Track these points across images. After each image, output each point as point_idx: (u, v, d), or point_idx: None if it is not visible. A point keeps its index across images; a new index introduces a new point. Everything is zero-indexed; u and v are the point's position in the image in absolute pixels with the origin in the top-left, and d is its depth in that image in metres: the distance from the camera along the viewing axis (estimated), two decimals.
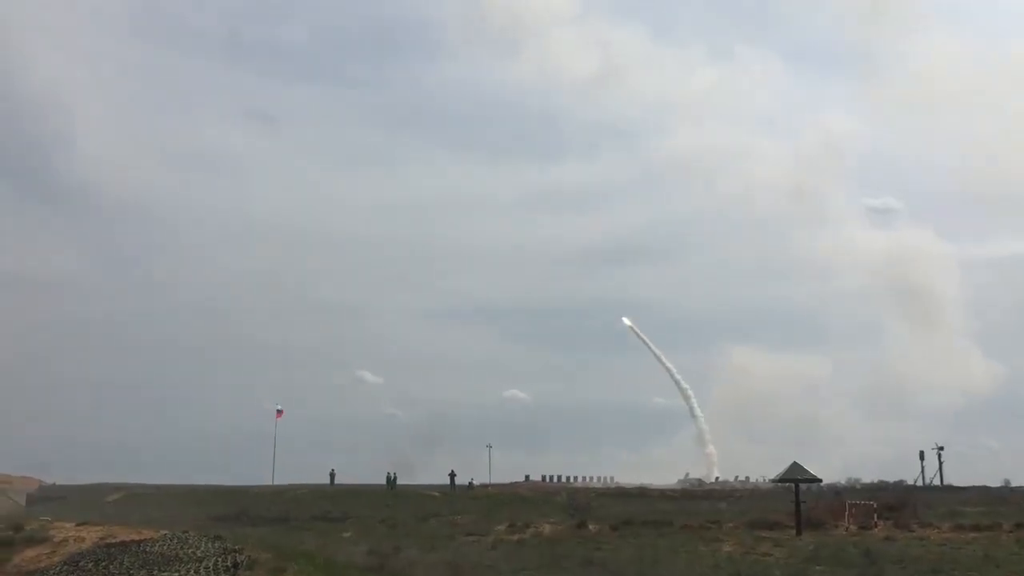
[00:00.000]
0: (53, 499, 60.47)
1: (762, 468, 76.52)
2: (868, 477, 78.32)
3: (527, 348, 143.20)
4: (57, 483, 69.32)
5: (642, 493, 65.20)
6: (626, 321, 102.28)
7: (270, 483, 67.86)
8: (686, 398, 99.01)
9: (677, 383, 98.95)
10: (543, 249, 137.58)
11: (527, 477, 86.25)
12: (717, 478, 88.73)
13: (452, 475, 68.48)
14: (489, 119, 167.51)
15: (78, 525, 22.96)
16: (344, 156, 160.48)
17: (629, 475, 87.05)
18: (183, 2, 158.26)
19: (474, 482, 70.98)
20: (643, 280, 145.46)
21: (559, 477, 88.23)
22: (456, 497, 58.32)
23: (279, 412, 75.24)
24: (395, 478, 67.02)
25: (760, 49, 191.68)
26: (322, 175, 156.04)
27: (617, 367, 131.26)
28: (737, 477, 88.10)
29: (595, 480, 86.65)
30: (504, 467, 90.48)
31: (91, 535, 21.63)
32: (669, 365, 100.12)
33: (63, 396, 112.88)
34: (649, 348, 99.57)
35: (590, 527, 34.85)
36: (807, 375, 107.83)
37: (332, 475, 69.23)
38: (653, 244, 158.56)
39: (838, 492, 51.76)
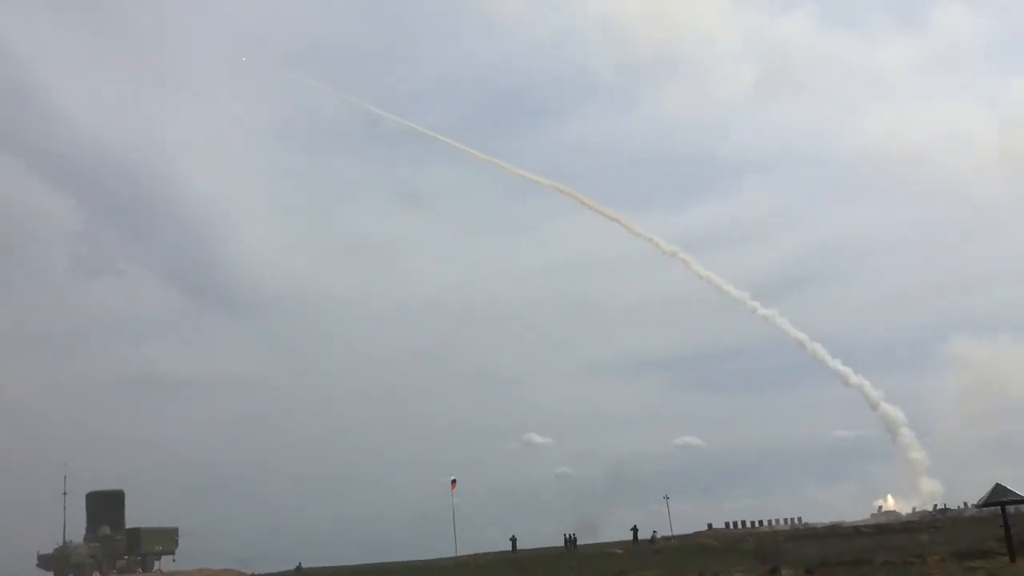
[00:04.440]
0: None
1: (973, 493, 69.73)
2: None
3: (696, 393, 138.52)
4: (256, 574, 72.66)
5: (833, 532, 62.16)
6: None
7: (453, 555, 68.70)
8: (889, 424, 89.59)
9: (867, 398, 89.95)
10: (706, 292, 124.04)
11: (710, 525, 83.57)
12: (914, 508, 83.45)
13: (635, 530, 67.65)
14: (637, 166, 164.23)
15: None
16: (491, 226, 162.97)
17: (817, 514, 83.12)
18: (321, 102, 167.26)
19: (656, 535, 69.61)
20: (820, 307, 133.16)
21: (743, 523, 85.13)
22: (640, 552, 57.39)
23: (453, 483, 76.49)
24: (574, 538, 66.60)
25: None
26: (472, 247, 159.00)
27: (791, 403, 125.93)
28: (936, 506, 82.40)
29: (782, 522, 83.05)
30: (685, 517, 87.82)
31: None
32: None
33: (258, 490, 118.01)
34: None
35: (784, 572, 33.63)
36: None
37: (513, 541, 69.49)
38: (835, 265, 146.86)
39: None
